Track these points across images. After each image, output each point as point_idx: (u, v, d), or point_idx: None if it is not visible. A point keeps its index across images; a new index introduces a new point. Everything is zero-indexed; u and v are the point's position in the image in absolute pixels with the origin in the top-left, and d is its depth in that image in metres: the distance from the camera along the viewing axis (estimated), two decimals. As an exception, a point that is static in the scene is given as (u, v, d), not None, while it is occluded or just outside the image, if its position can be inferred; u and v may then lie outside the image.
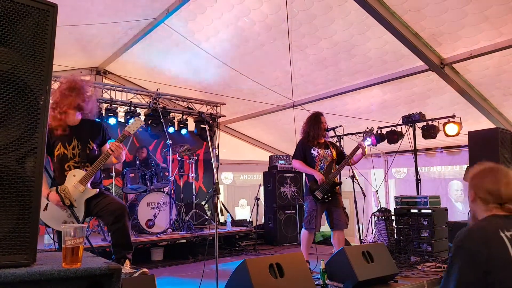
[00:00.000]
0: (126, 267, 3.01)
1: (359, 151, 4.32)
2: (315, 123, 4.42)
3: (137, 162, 6.39)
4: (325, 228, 8.60)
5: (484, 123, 5.94)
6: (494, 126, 5.72)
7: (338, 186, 4.34)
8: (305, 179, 4.46)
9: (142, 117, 6.83)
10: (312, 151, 4.34)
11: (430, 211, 4.89)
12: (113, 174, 5.83)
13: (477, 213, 1.71)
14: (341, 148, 4.66)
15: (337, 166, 4.38)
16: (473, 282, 1.44)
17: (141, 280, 2.78)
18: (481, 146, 4.37)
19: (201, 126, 7.32)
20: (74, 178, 2.98)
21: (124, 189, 5.94)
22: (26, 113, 1.49)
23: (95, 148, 3.18)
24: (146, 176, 6.01)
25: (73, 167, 3.05)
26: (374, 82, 6.01)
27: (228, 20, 5.32)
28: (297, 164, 4.36)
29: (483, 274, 1.42)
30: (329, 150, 4.43)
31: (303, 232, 4.36)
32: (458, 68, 5.23)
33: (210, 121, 3.93)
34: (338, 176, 4.34)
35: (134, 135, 3.22)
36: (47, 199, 2.89)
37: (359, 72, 5.95)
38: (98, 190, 3.06)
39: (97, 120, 3.50)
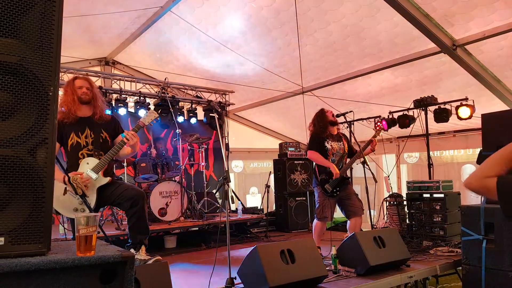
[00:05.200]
0: (142, 253, 3.07)
1: (369, 146, 4.32)
2: (320, 115, 4.45)
3: (148, 152, 6.44)
4: (336, 214, 8.61)
5: (498, 105, 5.81)
6: (508, 108, 5.60)
7: (347, 180, 4.36)
8: (315, 169, 4.43)
9: (152, 107, 6.85)
10: (326, 144, 4.31)
11: (442, 195, 4.85)
12: (125, 164, 5.90)
13: None
14: (351, 141, 4.67)
15: (348, 160, 4.39)
16: None
17: (155, 267, 2.83)
18: (495, 128, 4.28)
19: (210, 114, 7.32)
20: (87, 166, 3.03)
21: (136, 178, 6.01)
22: (36, 104, 1.49)
23: (108, 138, 3.22)
24: (158, 166, 6.06)
25: (86, 155, 3.10)
26: (385, 65, 5.90)
27: (235, 6, 5.25)
28: (314, 156, 4.29)
29: None
30: (341, 143, 4.42)
31: (316, 223, 4.35)
32: (471, 50, 5.10)
33: (219, 110, 3.93)
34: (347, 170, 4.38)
35: (146, 127, 3.26)
36: (65, 183, 2.92)
37: (369, 56, 5.85)
38: (110, 178, 3.10)
39: (108, 113, 3.54)
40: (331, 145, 4.34)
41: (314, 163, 4.46)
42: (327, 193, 4.21)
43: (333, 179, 4.18)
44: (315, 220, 4.36)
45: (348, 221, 4.35)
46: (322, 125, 4.36)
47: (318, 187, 4.31)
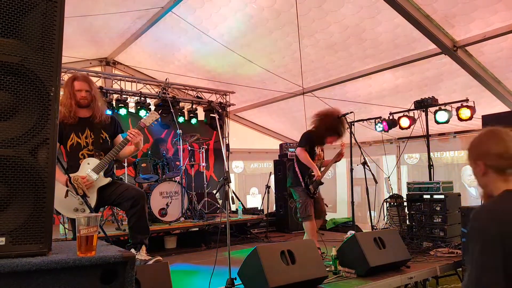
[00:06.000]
0: (143, 253, 3.07)
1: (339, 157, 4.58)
2: (338, 121, 4.39)
3: (149, 152, 6.44)
4: (337, 215, 8.63)
5: (499, 107, 5.81)
6: (509, 110, 5.60)
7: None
8: (295, 169, 4.49)
9: (152, 107, 6.86)
10: (316, 149, 4.48)
11: (442, 196, 4.84)
12: (126, 164, 5.90)
13: (492, 187, 1.48)
14: (351, 142, 4.87)
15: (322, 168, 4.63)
16: (495, 266, 1.29)
17: (155, 267, 2.83)
18: (496, 130, 4.29)
19: (211, 115, 7.33)
20: (88, 166, 3.03)
21: (137, 179, 6.01)
22: (37, 104, 1.50)
23: (107, 138, 3.22)
24: (158, 166, 6.06)
25: (87, 155, 3.10)
26: (386, 66, 5.91)
27: (236, 7, 5.26)
28: (303, 154, 4.35)
29: (504, 258, 1.28)
30: (322, 151, 4.62)
31: (305, 224, 4.41)
32: (472, 51, 5.11)
33: (220, 110, 3.93)
34: None
35: (147, 128, 3.26)
36: (66, 185, 2.92)
37: (370, 57, 5.86)
38: (110, 179, 3.10)
39: (108, 112, 3.55)
40: (319, 151, 4.53)
41: (294, 163, 4.52)
42: (310, 193, 4.37)
43: (315, 181, 4.36)
44: (303, 222, 4.41)
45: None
46: (329, 132, 4.35)
47: (299, 187, 4.41)
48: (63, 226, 4.25)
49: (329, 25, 5.25)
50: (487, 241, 1.32)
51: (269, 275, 2.85)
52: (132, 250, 3.03)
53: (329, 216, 7.96)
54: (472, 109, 5.44)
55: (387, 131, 6.36)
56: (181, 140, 6.12)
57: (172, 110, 6.55)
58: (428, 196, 5.02)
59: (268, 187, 6.62)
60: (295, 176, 4.47)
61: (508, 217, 1.33)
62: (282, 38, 5.79)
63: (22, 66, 1.47)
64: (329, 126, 4.34)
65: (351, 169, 4.93)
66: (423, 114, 5.85)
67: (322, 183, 4.51)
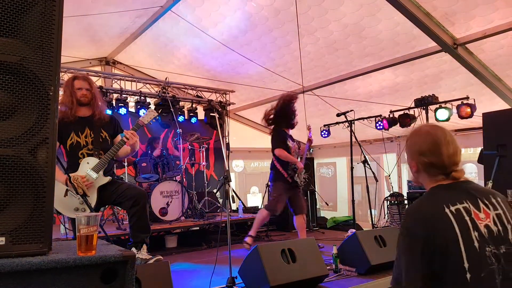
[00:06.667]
0: (143, 252, 3.08)
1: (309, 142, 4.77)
2: (291, 107, 4.57)
3: (149, 151, 6.44)
4: (337, 213, 8.62)
5: (499, 104, 5.80)
6: (509, 107, 5.59)
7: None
8: (276, 165, 4.57)
9: (152, 107, 6.85)
10: (288, 143, 4.54)
11: (443, 194, 4.84)
12: (126, 163, 5.90)
13: (424, 184, 1.53)
14: (352, 140, 4.91)
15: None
16: (421, 268, 1.29)
17: (156, 266, 2.83)
18: (496, 127, 4.28)
19: (211, 114, 7.32)
20: (87, 165, 3.04)
21: (137, 178, 6.01)
22: (37, 104, 1.50)
23: (107, 137, 3.23)
24: (158, 165, 6.06)
25: (86, 154, 3.10)
26: (386, 64, 5.89)
27: (235, 5, 5.25)
28: (283, 153, 4.46)
29: (430, 259, 1.29)
30: (295, 142, 4.67)
31: (263, 212, 4.51)
32: (472, 48, 5.10)
33: (220, 109, 3.93)
34: None
35: (146, 126, 3.28)
36: (66, 185, 2.92)
37: (370, 55, 5.85)
38: (110, 178, 3.10)
39: (108, 112, 3.56)
40: (292, 144, 4.60)
41: (274, 161, 4.62)
42: (298, 185, 4.47)
43: (300, 173, 4.49)
44: (264, 210, 4.51)
45: (295, 218, 4.60)
46: (292, 120, 4.58)
47: (278, 181, 4.49)
48: (64, 226, 4.25)
49: (329, 23, 5.24)
50: (411, 240, 1.34)
51: (270, 273, 2.85)
52: (133, 249, 3.03)
53: (329, 215, 7.96)
54: (473, 106, 5.44)
55: (388, 129, 6.36)
56: (181, 139, 6.12)
57: (172, 109, 6.54)
58: (429, 194, 5.02)
59: (268, 186, 6.61)
60: (276, 172, 4.56)
61: (432, 217, 1.33)
62: (281, 37, 5.78)
63: (21, 65, 1.46)
64: (286, 111, 4.57)
65: (352, 168, 4.93)
66: (424, 112, 5.85)
67: (305, 171, 4.63)
